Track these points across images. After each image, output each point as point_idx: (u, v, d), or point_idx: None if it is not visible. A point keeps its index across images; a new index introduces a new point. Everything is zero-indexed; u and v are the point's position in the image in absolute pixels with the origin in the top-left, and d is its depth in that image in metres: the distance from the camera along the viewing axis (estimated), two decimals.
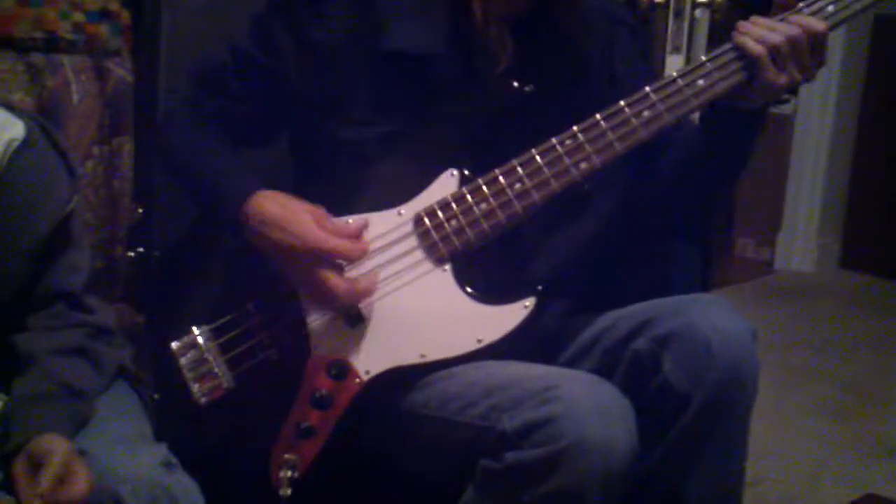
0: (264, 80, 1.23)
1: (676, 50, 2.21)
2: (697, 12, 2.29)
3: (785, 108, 4.12)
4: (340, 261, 1.13)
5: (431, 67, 1.19)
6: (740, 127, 1.21)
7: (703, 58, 1.16)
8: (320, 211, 1.14)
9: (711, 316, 1.13)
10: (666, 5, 2.24)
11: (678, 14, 2.21)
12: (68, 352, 1.05)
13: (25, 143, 1.05)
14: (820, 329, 3.39)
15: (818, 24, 1.13)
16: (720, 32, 2.31)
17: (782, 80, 1.13)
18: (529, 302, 1.13)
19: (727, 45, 1.15)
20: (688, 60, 2.25)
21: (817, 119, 4.00)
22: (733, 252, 4.35)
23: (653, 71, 1.39)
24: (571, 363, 1.21)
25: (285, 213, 1.13)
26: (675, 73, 1.15)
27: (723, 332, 1.11)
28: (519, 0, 1.23)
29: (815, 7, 1.15)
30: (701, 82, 1.14)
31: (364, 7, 1.20)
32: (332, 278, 1.11)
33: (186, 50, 1.65)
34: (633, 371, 1.14)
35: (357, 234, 1.15)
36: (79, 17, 1.66)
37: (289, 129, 1.29)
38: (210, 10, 1.66)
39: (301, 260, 1.12)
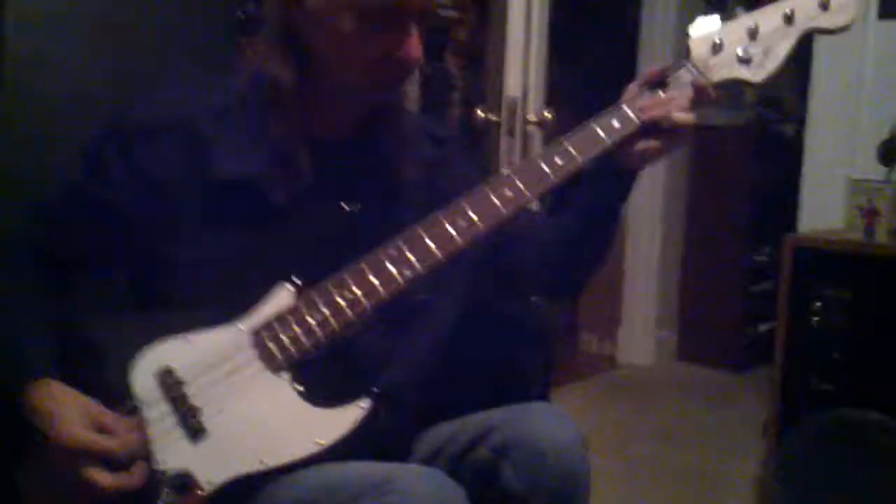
0: (98, 211, 1.27)
1: (510, 163, 2.34)
2: (529, 129, 2.44)
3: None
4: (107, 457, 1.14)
5: (258, 191, 1.24)
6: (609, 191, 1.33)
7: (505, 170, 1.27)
8: (97, 409, 1.16)
9: (545, 425, 1.21)
10: (499, 124, 2.39)
11: (510, 132, 2.36)
12: None
13: None
14: (660, 420, 3.55)
15: (685, 117, 1.26)
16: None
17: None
18: (365, 403, 1.18)
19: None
20: None
21: (648, 219, 4.27)
22: (577, 347, 4.54)
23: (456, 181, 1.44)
24: None
25: (54, 407, 1.15)
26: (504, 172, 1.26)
27: (555, 441, 1.19)
28: (339, 123, 1.31)
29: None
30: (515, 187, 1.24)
31: (193, 137, 1.26)
32: (94, 474, 1.12)
33: (27, 161, 1.68)
34: (475, 478, 1.21)
35: (127, 429, 1.16)
36: None
37: (123, 257, 1.31)
38: (50, 119, 1.70)
39: (61, 456, 1.14)
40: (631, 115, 1.27)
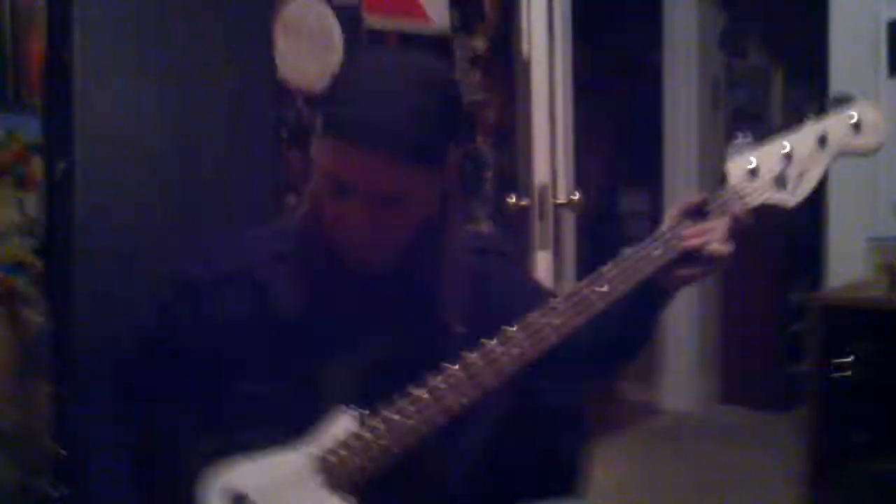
0: (171, 354, 1.41)
1: (543, 246, 2.46)
2: (559, 211, 2.55)
3: None
4: None
5: (313, 328, 1.37)
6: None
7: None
8: None
9: None
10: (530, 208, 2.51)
11: (542, 215, 2.48)
12: None
13: None
14: (700, 467, 3.59)
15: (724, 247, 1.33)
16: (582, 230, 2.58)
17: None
18: None
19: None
20: (555, 255, 2.49)
21: None
22: (619, 396, 4.60)
23: (536, 287, 1.58)
24: None
25: None
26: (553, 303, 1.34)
27: None
28: (381, 259, 1.39)
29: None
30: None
31: (253, 283, 1.39)
32: None
33: (100, 296, 1.82)
34: None
35: None
36: None
37: (195, 390, 1.43)
38: (119, 254, 1.85)
39: None
40: (672, 244, 1.33)
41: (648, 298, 1.39)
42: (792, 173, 1.35)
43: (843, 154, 1.35)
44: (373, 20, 2.73)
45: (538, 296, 1.42)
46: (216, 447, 1.35)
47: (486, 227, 3.04)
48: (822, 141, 1.34)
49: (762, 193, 1.35)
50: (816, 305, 2.49)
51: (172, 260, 1.51)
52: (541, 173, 2.51)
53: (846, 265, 2.70)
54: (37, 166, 1.93)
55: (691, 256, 1.34)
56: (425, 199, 1.35)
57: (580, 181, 2.76)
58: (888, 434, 2.38)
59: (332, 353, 1.38)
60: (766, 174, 1.34)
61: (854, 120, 1.34)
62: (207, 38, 2.00)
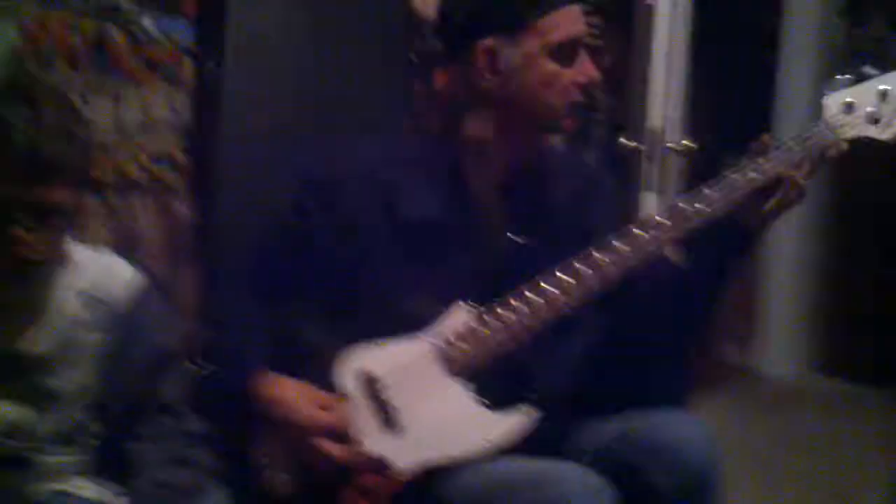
0: (305, 249, 1.54)
1: (649, 188, 2.55)
2: (670, 157, 2.63)
3: None
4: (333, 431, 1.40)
5: (437, 231, 1.50)
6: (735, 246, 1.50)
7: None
8: (316, 392, 1.43)
9: (687, 430, 1.44)
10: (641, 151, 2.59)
11: (651, 158, 2.56)
12: (173, 461, 1.31)
13: (141, 285, 1.35)
14: (795, 432, 3.62)
15: (804, 163, 1.42)
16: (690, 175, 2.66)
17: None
18: (528, 408, 1.43)
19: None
20: (659, 196, 2.57)
21: (792, 223, 4.30)
22: (717, 358, 4.63)
23: (619, 218, 1.64)
24: None
25: (281, 394, 1.42)
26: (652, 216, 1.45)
27: (697, 445, 1.42)
28: (509, 166, 1.55)
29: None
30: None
31: (383, 184, 1.52)
32: (327, 445, 1.38)
33: (241, 191, 1.98)
34: (623, 474, 1.41)
35: (342, 410, 1.42)
36: (146, 161, 1.94)
37: (329, 282, 1.55)
38: (259, 157, 2.00)
39: (296, 433, 1.40)
40: (765, 169, 1.42)
41: (737, 234, 1.48)
42: (887, 110, 1.42)
43: None
44: None
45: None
46: (348, 334, 1.49)
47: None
48: None
49: (857, 127, 1.43)
50: None
51: (306, 164, 1.64)
52: (653, 117, 2.59)
53: None
54: (187, 67, 2.07)
55: (776, 186, 1.42)
56: None
57: (693, 129, 2.81)
58: None
59: (455, 251, 1.51)
60: (861, 110, 1.42)
61: None
62: None
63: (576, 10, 1.50)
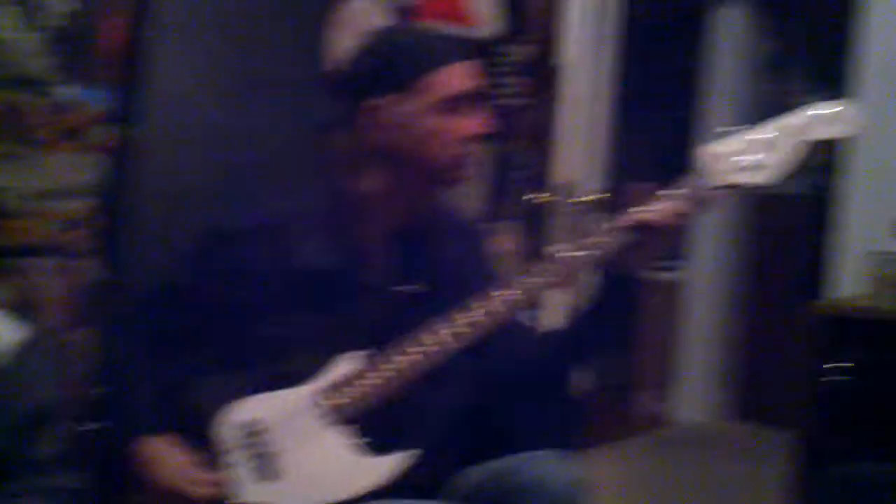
0: (199, 301, 1.60)
1: (559, 241, 2.62)
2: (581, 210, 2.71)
3: (675, 273, 4.57)
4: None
5: (325, 282, 1.56)
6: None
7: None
8: (191, 460, 1.49)
9: (553, 469, 1.47)
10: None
11: (560, 211, 2.63)
12: None
13: (25, 343, 1.38)
14: (705, 476, 3.69)
15: (676, 208, 1.47)
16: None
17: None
18: (405, 453, 1.49)
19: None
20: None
21: (706, 280, 4.46)
22: (631, 405, 4.63)
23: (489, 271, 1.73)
24: None
25: (159, 459, 1.48)
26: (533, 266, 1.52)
27: (563, 483, 1.45)
28: (397, 222, 1.60)
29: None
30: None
31: (280, 235, 1.58)
32: None
33: (153, 254, 1.99)
34: None
35: (216, 477, 1.48)
36: (56, 225, 1.96)
37: (220, 332, 1.61)
38: (173, 218, 2.04)
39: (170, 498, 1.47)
40: (643, 215, 1.47)
41: (614, 279, 1.55)
42: (760, 158, 1.47)
43: (816, 140, 1.47)
44: (424, 21, 2.92)
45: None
46: (235, 386, 1.54)
47: (512, 224, 3.21)
48: (796, 130, 1.47)
49: (728, 175, 1.48)
50: (811, 315, 2.61)
51: (208, 220, 1.71)
52: (563, 171, 2.67)
53: (849, 278, 2.81)
54: (101, 133, 2.13)
55: (649, 232, 1.48)
56: None
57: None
58: (875, 439, 2.49)
59: (340, 302, 1.57)
60: (739, 158, 1.48)
61: (827, 112, 1.48)
62: (269, 34, 2.21)
63: (465, 64, 1.55)
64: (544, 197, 2.71)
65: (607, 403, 4.53)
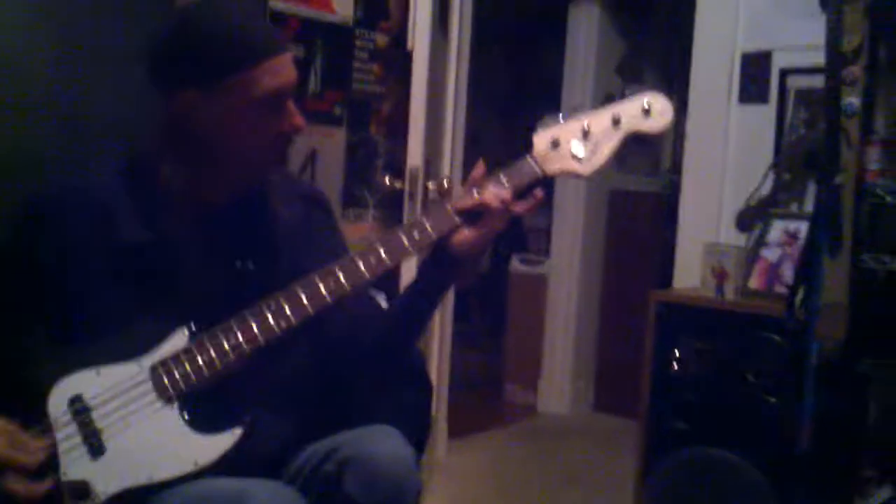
0: (20, 268, 1.53)
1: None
2: (430, 194, 2.73)
3: (541, 268, 4.69)
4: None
5: (157, 252, 1.51)
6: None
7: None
8: (12, 428, 1.40)
9: (381, 443, 1.46)
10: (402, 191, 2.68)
11: (412, 196, 2.65)
12: None
13: None
14: (570, 467, 3.81)
15: (504, 193, 1.48)
16: None
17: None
18: (238, 430, 1.44)
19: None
20: None
21: (566, 276, 4.57)
22: (503, 396, 4.82)
23: (341, 244, 1.71)
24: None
25: None
26: (372, 245, 1.49)
27: (389, 455, 1.44)
28: (228, 192, 1.55)
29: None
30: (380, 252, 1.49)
31: (99, 206, 1.52)
32: (12, 485, 1.36)
33: None
34: (323, 491, 1.45)
35: (39, 447, 1.40)
36: None
37: (44, 304, 1.54)
38: None
39: None
40: (475, 197, 1.48)
41: (442, 264, 1.54)
42: (588, 147, 1.51)
43: (634, 133, 1.52)
44: (276, 2, 2.88)
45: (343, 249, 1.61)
46: (62, 358, 1.47)
47: (372, 210, 3.21)
48: (616, 121, 1.52)
49: (560, 162, 1.51)
50: (652, 302, 2.71)
51: (33, 186, 1.61)
52: (413, 157, 2.68)
53: (689, 269, 2.93)
54: None
55: (474, 218, 1.49)
56: None
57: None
58: (709, 423, 2.60)
59: (172, 276, 1.52)
60: (566, 146, 1.51)
61: (645, 105, 1.52)
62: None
63: (282, 59, 1.47)
64: (399, 182, 2.70)
65: (478, 393, 4.65)
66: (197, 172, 1.53)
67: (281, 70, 1.47)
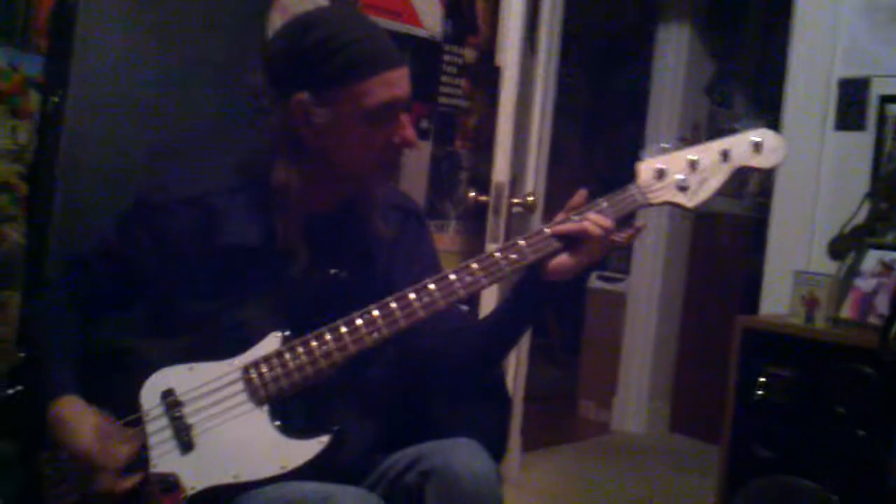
0: (123, 266, 1.58)
1: (494, 240, 2.63)
2: (514, 209, 2.73)
3: (619, 286, 4.65)
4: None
5: (260, 257, 1.54)
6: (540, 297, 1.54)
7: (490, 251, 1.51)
8: (104, 424, 1.44)
9: (464, 456, 1.46)
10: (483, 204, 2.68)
11: (497, 212, 2.65)
12: None
13: None
14: (645, 486, 3.75)
15: (606, 221, 1.47)
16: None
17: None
18: (325, 438, 1.46)
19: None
20: None
21: (647, 295, 4.51)
22: (577, 413, 4.77)
23: (433, 256, 1.73)
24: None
25: (70, 421, 1.43)
26: (467, 264, 1.49)
27: (473, 471, 1.44)
28: (331, 201, 1.59)
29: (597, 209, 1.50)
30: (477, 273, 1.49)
31: (207, 210, 1.56)
32: (99, 477, 1.41)
33: (76, 220, 1.99)
34: (405, 498, 1.47)
35: (129, 440, 1.44)
36: None
37: (145, 301, 1.60)
38: (97, 187, 2.02)
39: (81, 463, 1.42)
40: (576, 223, 1.47)
41: (536, 288, 1.53)
42: (694, 180, 1.50)
43: (744, 168, 1.50)
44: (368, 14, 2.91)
45: (435, 261, 1.64)
46: (157, 353, 1.52)
47: (454, 222, 3.23)
48: (725, 155, 1.50)
49: (665, 193, 1.50)
50: (737, 328, 2.66)
51: (137, 190, 1.67)
52: (499, 174, 2.69)
53: (779, 296, 2.86)
54: (33, 99, 2.09)
55: (571, 243, 1.48)
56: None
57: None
58: (794, 453, 2.54)
59: (272, 281, 1.54)
60: (672, 177, 1.50)
61: (756, 140, 1.51)
62: (206, 12, 2.20)
63: (400, 72, 1.49)
64: (484, 197, 2.71)
65: (552, 408, 4.61)
66: (307, 179, 1.54)
67: (398, 82, 1.49)
